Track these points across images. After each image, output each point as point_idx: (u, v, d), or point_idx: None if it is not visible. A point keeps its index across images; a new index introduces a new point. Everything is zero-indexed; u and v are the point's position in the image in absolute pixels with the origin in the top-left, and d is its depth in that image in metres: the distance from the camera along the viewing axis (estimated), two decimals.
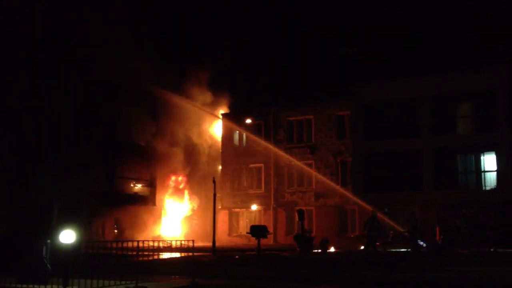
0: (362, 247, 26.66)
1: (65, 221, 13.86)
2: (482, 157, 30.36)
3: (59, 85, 26.10)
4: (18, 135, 26.26)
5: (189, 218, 41.38)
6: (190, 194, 41.30)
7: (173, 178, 40.52)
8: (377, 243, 26.27)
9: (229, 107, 42.20)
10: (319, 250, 26.18)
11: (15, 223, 16.58)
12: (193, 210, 41.57)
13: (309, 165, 36.05)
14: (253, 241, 27.53)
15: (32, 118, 25.38)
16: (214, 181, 28.67)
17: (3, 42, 24.91)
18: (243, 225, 38.08)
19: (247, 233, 28.80)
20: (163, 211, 39.91)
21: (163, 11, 36.22)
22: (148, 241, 14.47)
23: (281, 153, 36.65)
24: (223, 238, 36.89)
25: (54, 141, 25.53)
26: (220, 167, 40.11)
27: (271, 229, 32.41)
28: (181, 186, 41.14)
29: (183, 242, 14.87)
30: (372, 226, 26.36)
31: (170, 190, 40.55)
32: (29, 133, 25.67)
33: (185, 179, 40.82)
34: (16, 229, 16.04)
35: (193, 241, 14.16)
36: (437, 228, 27.76)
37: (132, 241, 13.15)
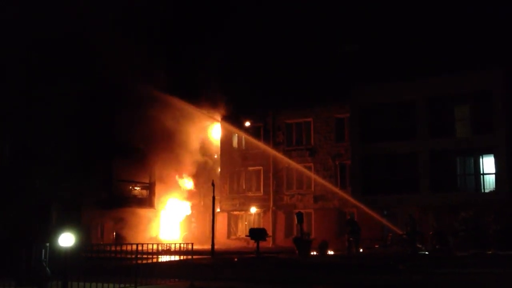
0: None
1: (64, 224, 13.88)
2: (481, 160, 30.38)
3: (57, 88, 26.07)
4: (16, 138, 26.25)
5: (188, 221, 41.35)
6: (189, 197, 41.27)
7: (171, 180, 40.44)
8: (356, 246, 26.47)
9: (228, 110, 42.15)
10: (318, 253, 26.18)
11: (12, 226, 16.57)
12: (191, 213, 41.53)
13: (308, 168, 36.04)
14: (252, 243, 27.53)
15: (30, 121, 25.37)
16: (213, 184, 28.69)
17: (2, 45, 24.91)
18: (242, 228, 38.06)
19: (246, 235, 28.79)
20: (161, 214, 39.85)
21: (160, 13, 36.18)
22: (147, 244, 14.42)
23: (280, 155, 36.63)
24: (222, 241, 36.85)
25: (52, 144, 25.51)
26: (219, 170, 40.10)
27: (270, 232, 32.37)
28: (179, 189, 41.08)
29: (182, 245, 14.81)
30: (352, 229, 26.51)
31: (168, 193, 40.49)
32: (27, 136, 25.65)
33: (183, 181, 40.77)
34: (13, 232, 16.03)
35: (192, 244, 14.14)
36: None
37: (131, 244, 13.12)
